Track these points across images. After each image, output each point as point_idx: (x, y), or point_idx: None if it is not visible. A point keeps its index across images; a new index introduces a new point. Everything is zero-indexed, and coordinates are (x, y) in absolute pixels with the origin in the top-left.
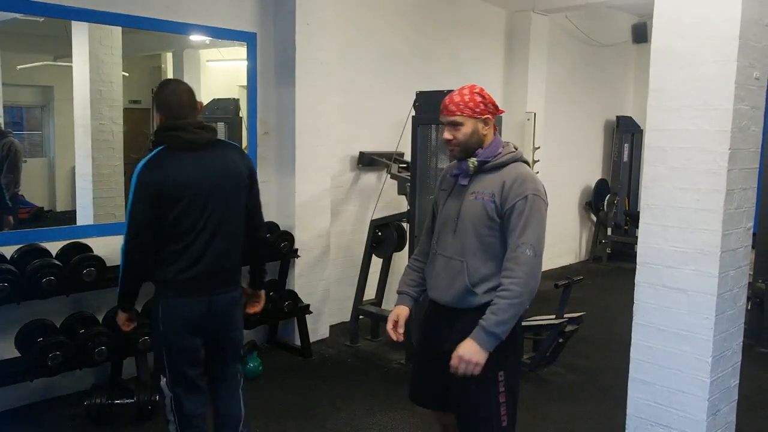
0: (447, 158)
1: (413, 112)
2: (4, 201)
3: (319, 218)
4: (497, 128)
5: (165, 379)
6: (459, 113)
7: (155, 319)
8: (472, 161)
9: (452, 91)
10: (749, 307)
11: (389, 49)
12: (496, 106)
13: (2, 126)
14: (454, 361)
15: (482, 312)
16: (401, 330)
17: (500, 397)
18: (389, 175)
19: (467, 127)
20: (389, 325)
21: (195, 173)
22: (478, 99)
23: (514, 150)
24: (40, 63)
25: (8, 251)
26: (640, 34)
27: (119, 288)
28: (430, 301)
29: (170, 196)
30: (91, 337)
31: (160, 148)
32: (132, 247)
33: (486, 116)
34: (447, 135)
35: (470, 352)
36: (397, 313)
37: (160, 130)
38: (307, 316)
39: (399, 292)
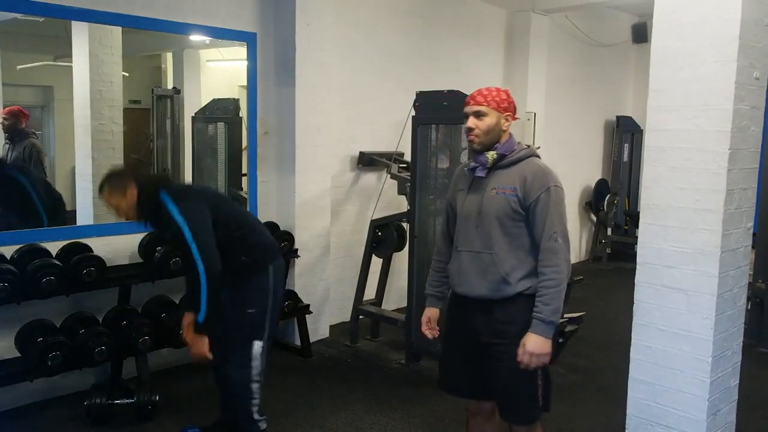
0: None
1: (413, 112)
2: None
3: (319, 218)
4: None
5: (260, 344)
6: (485, 104)
7: (263, 290)
8: (491, 154)
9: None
10: (749, 307)
11: (389, 49)
12: (516, 110)
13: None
14: (524, 359)
15: (516, 301)
16: (435, 330)
17: (538, 380)
18: (389, 175)
19: (490, 118)
20: (423, 327)
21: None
22: (504, 96)
23: (526, 147)
24: (40, 63)
25: (8, 251)
26: (640, 34)
27: (202, 314)
28: (457, 296)
29: (213, 196)
30: (91, 337)
31: (162, 190)
32: (214, 266)
33: (507, 113)
34: (470, 123)
35: (537, 346)
36: (428, 315)
37: (155, 182)
38: (307, 316)
39: (427, 294)
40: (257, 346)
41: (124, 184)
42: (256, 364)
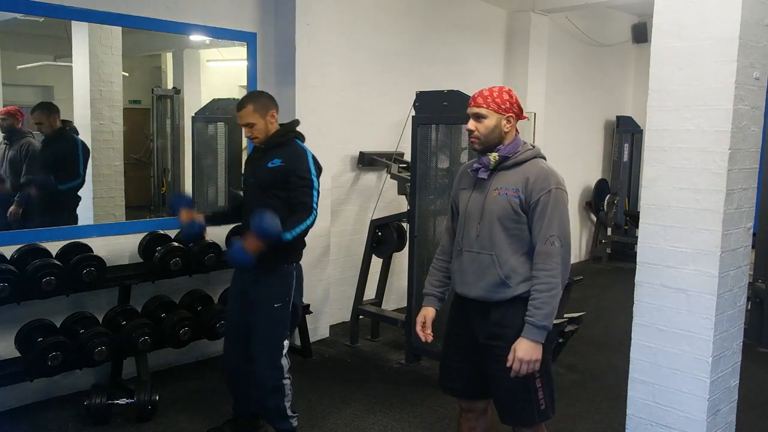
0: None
1: (413, 112)
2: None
3: (319, 218)
4: (518, 131)
5: (287, 342)
6: (485, 106)
7: (288, 284)
8: (494, 156)
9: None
10: (749, 307)
11: (389, 49)
12: (521, 109)
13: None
14: (515, 366)
15: (513, 304)
16: (428, 330)
17: (537, 382)
18: (389, 175)
19: (490, 121)
20: (417, 327)
21: None
22: (506, 97)
23: (532, 147)
24: (40, 63)
25: (8, 251)
26: (640, 34)
27: (291, 235)
28: (457, 296)
29: None
30: (91, 337)
31: (298, 141)
32: (315, 220)
33: (509, 114)
34: (470, 126)
35: (528, 351)
36: (424, 314)
37: (293, 129)
38: (307, 316)
39: (425, 294)
40: (285, 343)
41: (268, 107)
42: (285, 362)
